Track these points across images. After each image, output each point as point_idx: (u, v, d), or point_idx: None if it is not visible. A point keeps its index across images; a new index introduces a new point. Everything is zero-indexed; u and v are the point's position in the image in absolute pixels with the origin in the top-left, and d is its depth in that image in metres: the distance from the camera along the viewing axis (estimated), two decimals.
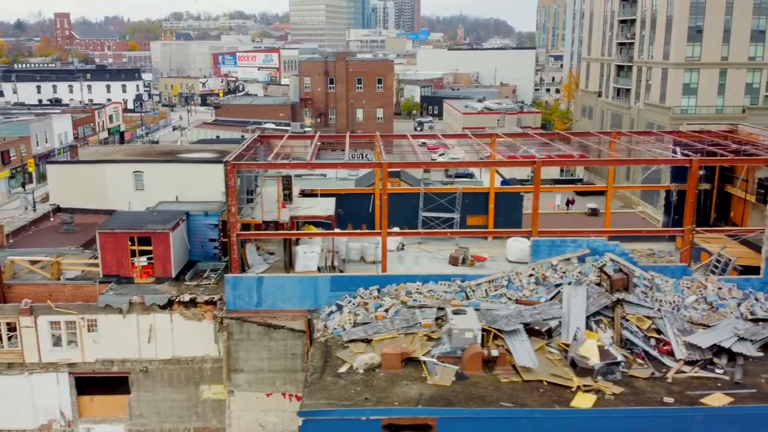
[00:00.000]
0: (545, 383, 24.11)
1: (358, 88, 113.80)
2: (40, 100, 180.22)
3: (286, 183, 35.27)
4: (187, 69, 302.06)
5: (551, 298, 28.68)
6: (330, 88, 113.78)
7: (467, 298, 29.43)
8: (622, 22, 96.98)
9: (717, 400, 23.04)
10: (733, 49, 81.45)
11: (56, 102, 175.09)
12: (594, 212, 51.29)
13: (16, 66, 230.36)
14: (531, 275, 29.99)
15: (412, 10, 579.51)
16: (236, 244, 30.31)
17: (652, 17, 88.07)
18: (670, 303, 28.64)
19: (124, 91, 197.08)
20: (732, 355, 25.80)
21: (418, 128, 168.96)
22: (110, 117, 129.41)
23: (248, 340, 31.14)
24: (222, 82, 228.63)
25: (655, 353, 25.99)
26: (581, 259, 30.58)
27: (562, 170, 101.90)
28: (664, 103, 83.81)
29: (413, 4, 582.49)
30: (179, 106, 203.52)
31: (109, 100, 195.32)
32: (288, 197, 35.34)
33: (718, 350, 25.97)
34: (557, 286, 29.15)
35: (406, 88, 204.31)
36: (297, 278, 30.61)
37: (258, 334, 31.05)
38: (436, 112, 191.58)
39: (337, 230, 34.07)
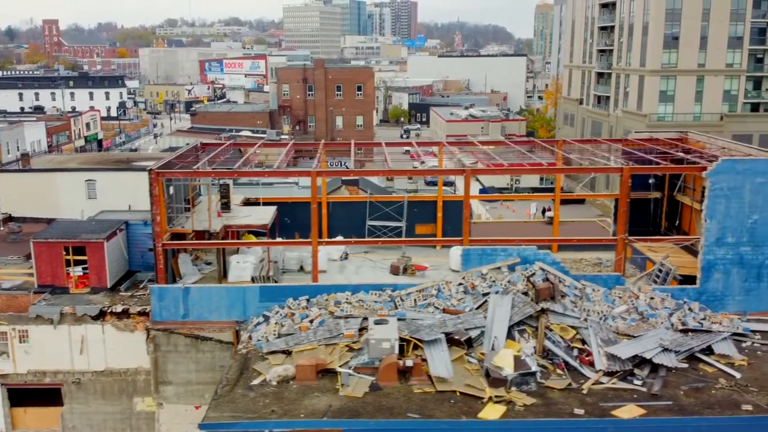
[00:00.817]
0: (458, 394, 24.22)
1: (337, 95, 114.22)
2: (22, 108, 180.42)
3: (224, 191, 35.43)
4: (176, 76, 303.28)
5: (478, 307, 28.83)
6: (309, 95, 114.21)
7: (395, 307, 29.55)
8: (602, 28, 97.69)
9: (628, 412, 23.16)
10: (710, 56, 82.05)
11: (37, 109, 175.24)
12: (551, 221, 51.43)
13: (1, 73, 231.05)
14: (460, 284, 30.16)
15: (408, 17, 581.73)
16: (161, 254, 30.41)
17: (629, 24, 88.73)
18: (598, 313, 28.78)
19: (108, 98, 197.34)
20: (655, 367, 25.92)
21: (405, 136, 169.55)
22: (87, 125, 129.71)
23: (176, 352, 31.21)
24: (208, 89, 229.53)
25: (575, 364, 26.12)
26: (512, 268, 30.73)
27: (542, 179, 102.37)
28: (641, 110, 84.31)
29: (410, 11, 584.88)
30: (165, 114, 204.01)
31: (92, 107, 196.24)
32: (226, 206, 35.48)
33: (640, 361, 26.09)
34: (485, 295, 29.32)
35: (394, 95, 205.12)
36: (224, 289, 30.74)
37: (186, 345, 31.13)
38: (424, 119, 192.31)
39: (265, 239, 34.19)
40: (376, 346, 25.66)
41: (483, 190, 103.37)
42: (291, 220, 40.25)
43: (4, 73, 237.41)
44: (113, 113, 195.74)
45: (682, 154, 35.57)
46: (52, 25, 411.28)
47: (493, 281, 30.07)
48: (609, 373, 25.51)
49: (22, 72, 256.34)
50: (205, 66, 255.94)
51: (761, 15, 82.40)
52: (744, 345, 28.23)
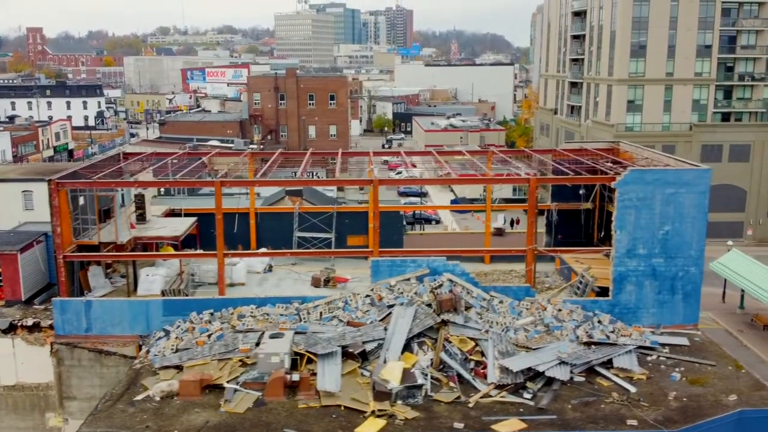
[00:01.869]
0: (343, 408, 24.33)
1: (310, 104, 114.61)
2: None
3: (139, 202, 35.59)
4: (161, 85, 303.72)
5: (382, 319, 28.96)
6: (281, 104, 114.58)
7: (300, 321, 29.67)
8: (575, 37, 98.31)
9: (509, 426, 23.28)
10: (679, 65, 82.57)
11: (12, 119, 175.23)
12: (499, 232, 51.62)
13: None
14: (367, 296, 30.30)
15: (404, 26, 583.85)
16: (63, 266, 30.53)
17: (598, 33, 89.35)
18: (501, 324, 28.95)
19: (85, 107, 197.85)
20: (549, 380, 26.06)
21: (387, 146, 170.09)
22: (57, 134, 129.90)
23: (80, 366, 31.26)
24: (190, 98, 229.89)
25: (468, 376, 26.26)
26: (421, 279, 30.90)
27: (515, 189, 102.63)
28: (609, 120, 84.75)
29: (405, 19, 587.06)
30: (145, 123, 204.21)
31: (69, 117, 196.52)
32: (141, 217, 35.64)
33: (535, 374, 26.22)
34: (390, 307, 29.46)
35: (378, 104, 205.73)
36: (126, 303, 30.86)
37: (89, 360, 31.18)
38: (408, 129, 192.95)
39: (170, 251, 34.35)
40: (264, 361, 25.79)
41: (454, 201, 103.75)
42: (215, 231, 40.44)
43: None
44: (91, 122, 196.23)
45: (610, 164, 35.91)
46: (36, 33, 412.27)
47: (401, 293, 30.22)
48: (500, 386, 25.64)
49: (1, 81, 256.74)
50: (187, 75, 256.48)
51: (731, 23, 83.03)
52: (649, 359, 28.39)
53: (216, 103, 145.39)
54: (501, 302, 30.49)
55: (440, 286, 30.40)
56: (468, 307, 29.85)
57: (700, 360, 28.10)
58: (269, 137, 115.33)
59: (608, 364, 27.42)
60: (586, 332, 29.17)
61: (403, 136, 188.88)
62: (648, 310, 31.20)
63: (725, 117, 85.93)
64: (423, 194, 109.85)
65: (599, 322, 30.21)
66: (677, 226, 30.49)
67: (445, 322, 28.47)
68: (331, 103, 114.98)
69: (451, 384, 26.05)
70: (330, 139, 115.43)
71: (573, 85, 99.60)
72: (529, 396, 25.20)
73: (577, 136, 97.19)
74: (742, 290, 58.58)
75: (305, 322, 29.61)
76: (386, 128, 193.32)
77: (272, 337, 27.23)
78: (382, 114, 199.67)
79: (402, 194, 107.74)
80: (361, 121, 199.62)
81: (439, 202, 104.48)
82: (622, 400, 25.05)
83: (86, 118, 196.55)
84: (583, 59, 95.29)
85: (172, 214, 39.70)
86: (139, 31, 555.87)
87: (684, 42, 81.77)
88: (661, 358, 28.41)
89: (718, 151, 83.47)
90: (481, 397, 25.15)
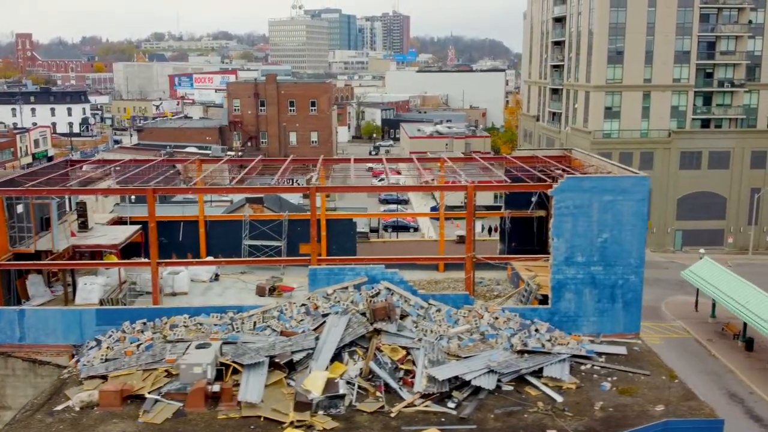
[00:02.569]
0: (262, 419, 24.38)
1: (290, 110, 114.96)
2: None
3: (81, 210, 35.68)
4: (150, 91, 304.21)
5: (315, 329, 29.04)
6: (261, 110, 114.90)
7: (233, 330, 29.75)
8: (555, 44, 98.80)
9: None
10: (657, 71, 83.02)
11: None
12: (461, 239, 51.68)
13: None
14: (303, 305, 30.39)
15: (401, 32, 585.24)
16: None
17: (577, 39, 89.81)
18: (435, 333, 29.05)
19: (70, 114, 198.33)
20: (477, 389, 26.13)
21: (374, 152, 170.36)
22: (36, 141, 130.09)
23: (14, 375, 31.27)
24: (178, 104, 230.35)
25: (395, 386, 26.33)
26: (359, 288, 31.01)
27: (495, 196, 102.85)
28: (587, 127, 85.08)
29: (402, 25, 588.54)
30: (130, 130, 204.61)
31: (54, 123, 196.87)
32: (83, 225, 35.71)
33: (462, 383, 26.31)
34: (325, 316, 29.55)
35: (367, 110, 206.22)
36: (59, 312, 30.90)
37: (23, 369, 31.19)
38: (397, 135, 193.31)
39: (113, 260, 34.42)
40: (186, 371, 25.86)
41: (434, 208, 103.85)
42: (168, 240, 40.57)
43: None
44: (76, 129, 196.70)
45: (560, 172, 36.08)
46: (25, 39, 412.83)
47: (337, 301, 30.32)
48: (426, 395, 25.72)
49: None
50: (175, 81, 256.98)
51: (710, 29, 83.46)
52: (583, 368, 28.48)
53: (199, 110, 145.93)
54: (438, 310, 30.59)
55: (377, 294, 30.51)
56: (404, 316, 29.95)
57: (634, 369, 28.20)
58: (249, 144, 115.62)
59: (539, 373, 27.50)
60: (522, 340, 29.26)
61: (391, 142, 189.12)
62: (588, 318, 31.29)
63: (705, 124, 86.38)
64: (404, 201, 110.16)
65: (536, 330, 30.31)
66: (616, 234, 30.62)
67: (378, 331, 28.55)
68: (312, 110, 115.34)
69: (378, 394, 26.12)
70: (311, 146, 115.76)
71: (554, 91, 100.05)
72: (452, 405, 25.29)
73: (557, 143, 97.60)
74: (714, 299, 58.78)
75: (238, 331, 29.68)
76: (375, 135, 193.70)
77: (199, 347, 27.29)
78: (371, 120, 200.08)
79: (383, 201, 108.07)
80: (349, 128, 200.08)
81: (420, 210, 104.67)
82: (547, 410, 25.13)
83: (70, 125, 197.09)
84: (563, 66, 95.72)
85: (119, 222, 39.78)
86: (133, 37, 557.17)
87: (662, 48, 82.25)
88: (595, 367, 28.51)
89: (698, 158, 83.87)
90: (405, 407, 25.22)
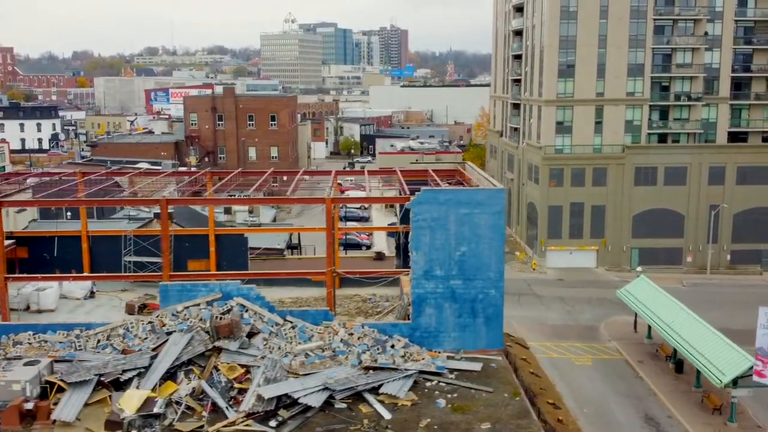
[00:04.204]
0: None
1: (249, 125, 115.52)
2: None
3: None
4: (132, 106, 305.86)
5: (156, 347, 29.10)
6: (219, 125, 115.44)
7: (75, 348, 29.81)
8: (515, 57, 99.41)
9: None
10: (609, 85, 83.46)
11: None
12: (380, 256, 51.88)
13: None
14: (150, 323, 30.45)
15: (399, 46, 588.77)
16: None
17: (531, 52, 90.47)
18: (282, 350, 29.11)
19: (39, 129, 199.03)
20: (308, 407, 26.16)
21: (349, 168, 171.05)
22: None
23: None
24: (153, 119, 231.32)
25: (223, 405, 26.34)
26: (212, 304, 31.09)
27: None
28: (540, 142, 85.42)
29: (400, 39, 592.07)
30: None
31: (22, 139, 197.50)
32: None
33: (293, 401, 26.35)
34: (169, 334, 29.61)
35: (345, 126, 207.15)
36: None
37: None
38: (375, 151, 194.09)
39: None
40: (5, 388, 25.92)
41: (393, 223, 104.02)
42: (50, 256, 40.83)
43: None
44: (45, 145, 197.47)
45: (446, 185, 36.29)
46: (6, 53, 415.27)
47: (186, 318, 30.40)
48: (251, 414, 25.74)
49: None
50: (151, 96, 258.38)
51: (665, 41, 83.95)
52: (429, 384, 28.52)
53: (163, 124, 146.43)
54: (293, 327, 30.67)
55: (228, 311, 30.60)
56: (255, 333, 30.04)
57: (477, 386, 28.23)
58: (207, 159, 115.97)
59: (378, 389, 27.53)
60: (372, 357, 29.32)
61: (369, 158, 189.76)
62: (449, 334, 31.38)
63: (662, 138, 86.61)
64: (364, 218, 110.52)
65: (392, 346, 30.37)
66: (474, 247, 30.78)
67: (217, 349, 28.61)
68: (272, 124, 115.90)
69: (204, 413, 26.14)
70: (271, 161, 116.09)
71: (515, 106, 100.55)
72: (274, 424, 25.32)
73: (516, 159, 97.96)
74: None
75: (80, 349, 29.75)
76: (353, 151, 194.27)
77: (26, 364, 27.37)
78: (350, 136, 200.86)
79: (343, 218, 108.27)
80: (327, 144, 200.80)
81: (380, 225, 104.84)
82: (370, 427, 25.14)
83: (40, 141, 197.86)
84: (521, 80, 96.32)
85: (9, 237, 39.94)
86: (126, 51, 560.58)
87: (614, 61, 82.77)
88: (440, 383, 28.55)
89: (653, 173, 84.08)
90: (225, 426, 25.24)
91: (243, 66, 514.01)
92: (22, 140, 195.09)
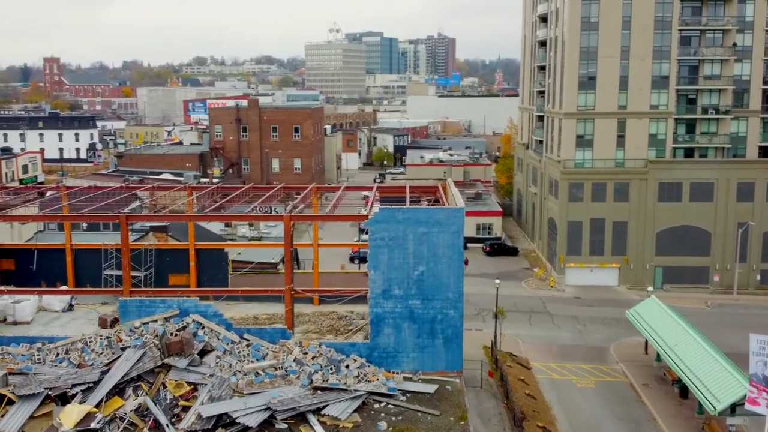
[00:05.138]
0: None
1: (273, 136, 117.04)
2: None
3: None
4: (173, 116, 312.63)
5: (110, 362, 29.80)
6: (243, 136, 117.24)
7: (35, 362, 30.71)
8: (540, 68, 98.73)
9: None
10: (633, 97, 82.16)
11: (5, 151, 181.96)
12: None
13: None
14: (107, 338, 31.20)
15: (446, 54, 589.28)
16: None
17: (553, 63, 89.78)
18: (232, 369, 29.50)
19: (77, 139, 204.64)
20: (247, 426, 26.48)
21: (379, 180, 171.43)
22: (25, 167, 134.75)
23: None
24: (191, 129, 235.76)
25: (164, 422, 26.82)
26: (169, 320, 31.69)
27: (478, 227, 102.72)
28: (560, 155, 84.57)
29: (447, 48, 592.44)
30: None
31: (60, 149, 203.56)
32: None
33: (232, 420, 26.70)
34: (124, 349, 30.30)
35: (379, 137, 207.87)
36: None
37: None
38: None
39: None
40: None
41: None
42: (37, 268, 42.13)
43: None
44: (83, 155, 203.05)
45: (426, 203, 36.43)
46: (53, 64, 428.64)
47: (142, 334, 31.06)
48: None
49: (9, 112, 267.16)
50: (189, 106, 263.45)
51: (691, 52, 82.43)
52: (377, 406, 28.60)
53: (193, 135, 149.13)
54: (248, 345, 31.07)
55: (184, 327, 31.17)
56: (209, 351, 30.53)
57: (424, 409, 28.17)
58: (231, 170, 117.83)
59: (322, 410, 27.69)
60: (324, 377, 29.51)
61: (402, 170, 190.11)
62: (408, 354, 31.44)
63: (688, 153, 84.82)
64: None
65: (347, 366, 30.52)
66: (432, 267, 30.82)
67: (166, 366, 29.15)
68: (295, 136, 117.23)
69: (145, 430, 26.66)
70: (294, 173, 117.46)
71: (539, 118, 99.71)
72: None
73: (539, 172, 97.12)
74: None
75: (39, 362, 30.63)
76: (386, 162, 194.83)
77: None
78: (383, 147, 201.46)
79: (362, 230, 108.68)
80: (360, 154, 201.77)
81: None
82: None
83: (78, 150, 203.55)
84: (545, 91, 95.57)
85: None
86: (175, 61, 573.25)
87: (637, 73, 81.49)
88: (389, 406, 28.57)
89: (678, 189, 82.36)
90: None
91: (289, 76, 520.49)
92: (61, 150, 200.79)
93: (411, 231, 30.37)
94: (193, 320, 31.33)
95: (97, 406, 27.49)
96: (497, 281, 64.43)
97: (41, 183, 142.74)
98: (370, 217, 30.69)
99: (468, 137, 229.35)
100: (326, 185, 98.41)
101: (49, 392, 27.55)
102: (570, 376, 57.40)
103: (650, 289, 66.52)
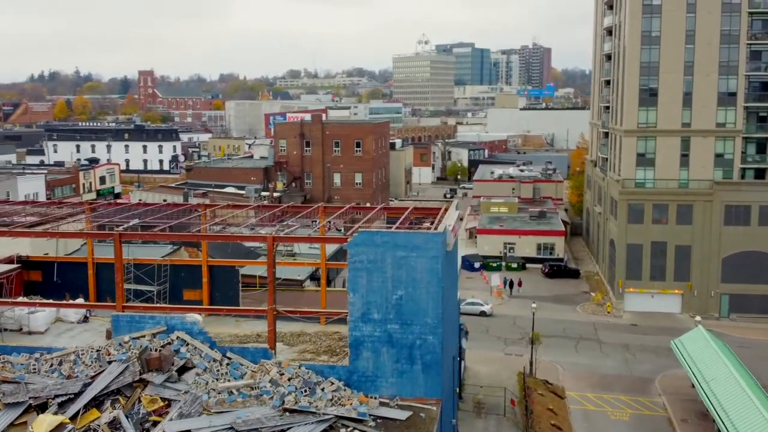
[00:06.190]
0: None
1: (335, 151, 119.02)
2: (78, 159, 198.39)
3: None
4: (258, 129, 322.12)
5: (95, 375, 31.35)
6: (306, 151, 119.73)
7: (31, 371, 32.63)
8: (606, 83, 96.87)
9: None
10: (697, 115, 79.53)
11: (92, 161, 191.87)
12: None
13: (71, 125, 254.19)
14: (97, 351, 32.80)
15: (540, 65, 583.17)
16: None
17: (616, 78, 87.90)
18: (206, 387, 30.49)
19: (161, 151, 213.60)
20: None
21: (449, 195, 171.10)
22: (102, 178, 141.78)
23: None
24: (271, 143, 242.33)
25: None
26: (156, 336, 33.04)
27: (539, 247, 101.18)
28: (620, 174, 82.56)
29: (542, 58, 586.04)
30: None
31: (144, 160, 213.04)
32: None
33: None
34: (110, 363, 31.81)
35: (453, 150, 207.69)
36: None
37: None
38: None
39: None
40: None
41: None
42: (62, 281, 44.60)
43: (95, 124, 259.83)
44: (166, 166, 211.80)
45: (427, 225, 36.69)
46: (147, 77, 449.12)
47: (130, 349, 32.51)
48: None
49: (99, 124, 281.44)
50: (270, 119, 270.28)
51: (762, 68, 78.96)
52: (343, 430, 28.87)
53: (264, 149, 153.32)
54: (229, 364, 32.02)
55: (169, 344, 32.41)
56: (189, 368, 31.64)
57: None
58: (294, 185, 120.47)
59: None
60: (296, 399, 30.10)
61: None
62: (387, 379, 31.61)
63: (759, 174, 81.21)
64: None
65: (323, 389, 31.00)
66: (411, 291, 30.96)
67: (143, 381, 30.41)
68: (357, 151, 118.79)
69: None
70: (355, 187, 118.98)
71: (605, 135, 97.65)
72: None
73: (603, 191, 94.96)
74: None
75: (34, 372, 32.51)
76: (459, 176, 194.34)
77: None
78: (458, 161, 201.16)
79: None
80: (433, 168, 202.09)
81: None
82: None
83: (161, 162, 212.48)
84: (610, 107, 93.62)
85: (18, 260, 44.13)
86: (269, 74, 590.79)
87: (702, 89, 78.86)
88: (355, 431, 28.82)
89: (745, 212, 78.97)
90: None
91: (378, 88, 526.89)
92: (144, 161, 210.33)
93: (390, 255, 30.62)
94: (177, 337, 32.60)
95: (75, 417, 29.06)
96: (534, 305, 63.48)
97: (118, 194, 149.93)
98: (349, 239, 31.16)
99: (550, 151, 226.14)
100: (391, 205, 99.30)
101: (32, 401, 29.30)
102: (605, 408, 55.87)
103: (698, 318, 63.93)
